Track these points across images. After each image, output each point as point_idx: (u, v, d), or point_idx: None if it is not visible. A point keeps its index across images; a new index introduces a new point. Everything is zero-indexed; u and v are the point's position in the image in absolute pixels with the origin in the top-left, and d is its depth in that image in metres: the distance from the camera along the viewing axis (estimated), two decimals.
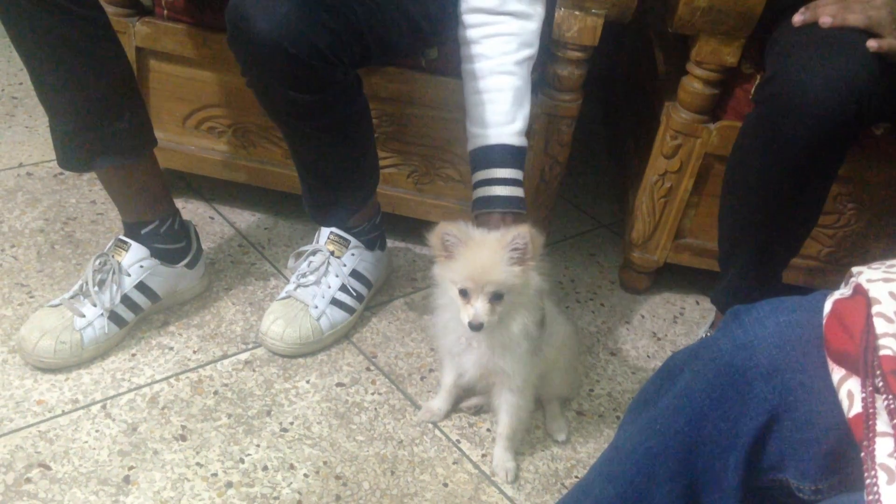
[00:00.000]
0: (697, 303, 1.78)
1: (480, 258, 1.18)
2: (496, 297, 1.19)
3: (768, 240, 1.38)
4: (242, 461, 1.28)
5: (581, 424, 1.45)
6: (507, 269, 1.17)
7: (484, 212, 1.37)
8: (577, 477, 1.35)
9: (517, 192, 1.37)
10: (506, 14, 1.34)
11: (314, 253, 1.54)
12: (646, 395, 0.87)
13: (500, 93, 1.36)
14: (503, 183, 1.36)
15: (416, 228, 1.81)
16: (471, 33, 1.37)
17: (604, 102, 2.20)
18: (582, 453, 1.40)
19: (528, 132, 1.40)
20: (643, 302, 1.77)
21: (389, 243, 1.69)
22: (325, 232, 1.54)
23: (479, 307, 1.18)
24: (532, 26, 1.36)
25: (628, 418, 0.89)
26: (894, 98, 1.24)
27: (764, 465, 0.76)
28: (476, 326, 1.19)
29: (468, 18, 1.37)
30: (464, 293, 1.20)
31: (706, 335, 1.53)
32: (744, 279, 1.43)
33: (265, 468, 1.28)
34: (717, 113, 1.55)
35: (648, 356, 1.62)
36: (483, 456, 1.36)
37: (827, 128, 1.22)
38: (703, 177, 1.59)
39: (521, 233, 1.16)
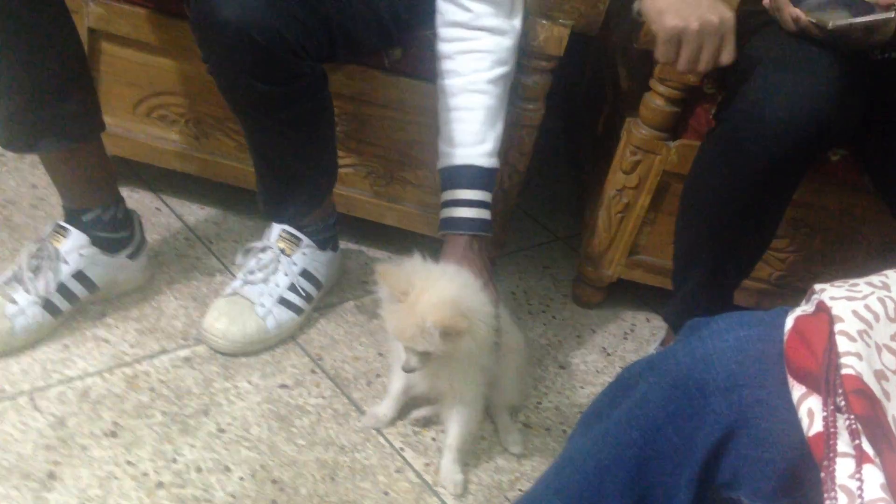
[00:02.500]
0: (648, 320, 1.78)
1: (404, 326, 1.16)
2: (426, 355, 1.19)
3: (722, 259, 1.38)
4: (175, 461, 1.23)
5: (527, 437, 1.43)
6: (427, 341, 1.15)
7: (448, 233, 1.36)
8: (520, 490, 1.33)
9: (483, 214, 1.36)
10: (480, 29, 1.33)
11: (264, 250, 1.50)
12: (598, 407, 0.85)
13: (470, 111, 1.34)
14: (468, 205, 1.35)
15: (370, 231, 1.79)
16: (445, 48, 1.35)
17: (565, 115, 2.20)
18: (527, 466, 1.38)
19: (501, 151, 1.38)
20: (594, 317, 1.76)
21: (343, 245, 1.66)
22: (276, 229, 1.50)
23: (409, 357, 1.19)
24: (507, 43, 1.34)
25: (579, 430, 0.87)
26: (853, 123, 1.25)
27: (717, 483, 0.74)
28: (408, 370, 1.20)
29: (444, 32, 1.35)
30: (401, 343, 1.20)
31: (656, 351, 1.52)
32: (696, 298, 1.43)
33: (199, 469, 1.22)
34: (677, 131, 1.55)
35: (598, 371, 1.61)
36: (427, 465, 1.33)
37: (785, 148, 1.22)
38: (661, 194, 1.59)
39: (432, 327, 1.13)
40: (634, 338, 1.72)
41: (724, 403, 0.72)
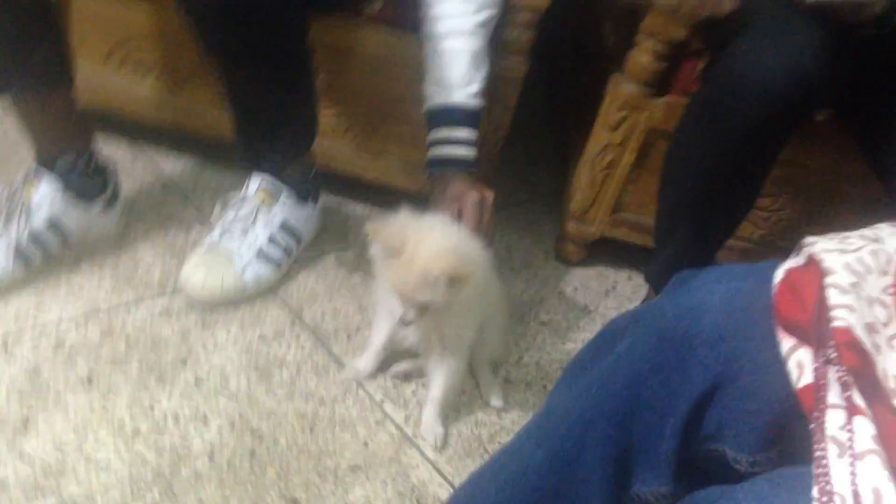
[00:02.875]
0: (630, 278, 1.78)
1: (405, 279, 1.14)
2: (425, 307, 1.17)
3: (706, 219, 1.38)
4: (152, 409, 1.21)
5: (507, 392, 1.43)
6: (428, 292, 1.14)
7: (438, 171, 1.36)
8: (500, 443, 1.33)
9: (470, 152, 1.36)
10: None
11: (242, 201, 1.47)
12: (582, 360, 0.85)
13: (457, 55, 1.33)
14: (456, 143, 1.35)
15: (350, 186, 1.77)
16: None
17: (546, 71, 2.17)
18: (506, 420, 1.38)
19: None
20: (576, 274, 1.75)
21: (323, 200, 1.63)
22: (255, 180, 1.47)
23: (406, 311, 1.17)
24: None
25: (562, 383, 0.86)
26: (840, 85, 1.24)
27: (701, 435, 0.74)
28: (407, 322, 1.19)
29: None
30: (397, 297, 1.18)
31: None
32: (679, 257, 1.42)
33: (176, 418, 1.21)
34: (663, 88, 1.53)
35: (579, 328, 1.61)
36: (406, 418, 1.33)
37: (772, 110, 1.21)
38: (646, 152, 1.57)
39: (439, 277, 1.11)
40: (616, 295, 1.72)
41: (710, 355, 0.72)
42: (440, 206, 1.32)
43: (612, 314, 1.66)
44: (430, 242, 1.14)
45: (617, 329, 0.82)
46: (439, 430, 1.30)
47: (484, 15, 1.33)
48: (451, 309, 1.19)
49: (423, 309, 1.17)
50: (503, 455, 0.89)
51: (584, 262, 1.77)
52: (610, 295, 1.72)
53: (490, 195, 1.34)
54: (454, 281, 1.12)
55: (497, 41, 1.49)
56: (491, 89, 1.39)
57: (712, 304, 0.74)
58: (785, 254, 0.79)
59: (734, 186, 1.32)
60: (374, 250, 1.20)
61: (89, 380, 1.22)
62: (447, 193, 1.33)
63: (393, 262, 1.15)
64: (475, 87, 1.35)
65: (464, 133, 1.35)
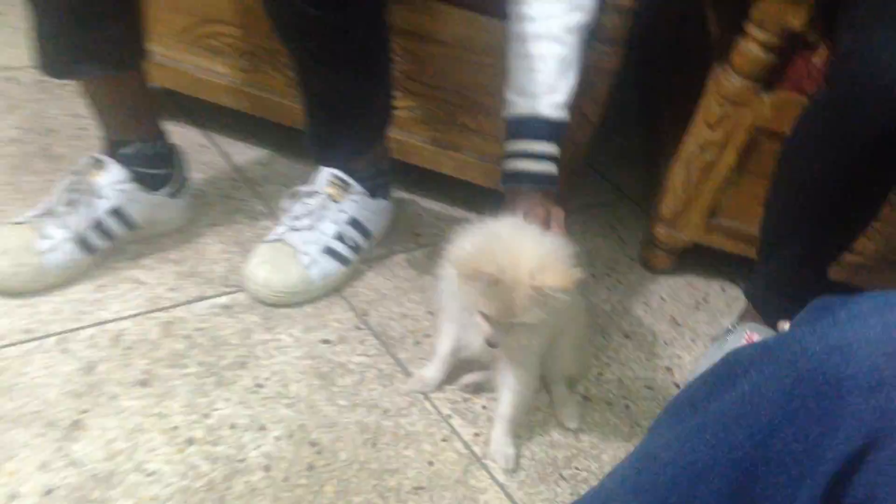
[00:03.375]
0: (723, 290, 1.64)
1: (510, 301, 1.04)
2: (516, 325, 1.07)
3: (821, 232, 1.23)
4: (208, 416, 1.15)
5: (586, 411, 1.32)
6: (534, 310, 1.04)
7: (512, 186, 1.26)
8: (576, 468, 1.22)
9: (549, 168, 1.25)
10: None
11: (311, 195, 1.39)
12: (692, 396, 0.72)
13: (542, 61, 1.22)
14: (534, 157, 1.24)
15: (425, 179, 1.67)
16: None
17: (640, 64, 2.03)
18: (585, 442, 1.27)
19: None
20: (664, 283, 1.62)
21: (395, 194, 1.55)
22: (325, 173, 1.39)
23: (497, 334, 1.08)
24: None
25: (666, 421, 0.74)
26: None
27: (847, 503, 0.61)
28: (493, 345, 1.09)
29: None
30: (483, 316, 1.08)
31: (733, 327, 1.39)
32: (786, 273, 1.29)
33: (233, 426, 1.14)
34: (772, 82, 1.39)
35: (665, 342, 1.48)
36: (476, 435, 1.23)
37: None
38: (749, 153, 1.43)
39: (559, 287, 1.01)
40: (707, 308, 1.59)
41: (865, 405, 0.59)
42: None
43: (704, 329, 1.52)
44: (528, 257, 1.04)
45: (740, 362, 0.69)
46: (510, 451, 1.20)
47: (574, 18, 1.21)
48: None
49: (510, 327, 1.07)
50: (593, 500, 0.78)
51: (672, 271, 1.64)
52: (701, 308, 1.58)
53: (560, 213, 1.23)
54: (563, 293, 1.03)
55: (590, 33, 1.37)
56: (581, 82, 1.28)
57: (869, 341, 0.61)
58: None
59: (856, 198, 1.18)
60: (459, 280, 1.08)
61: (145, 381, 1.16)
62: (515, 209, 1.22)
63: (490, 290, 1.04)
64: (560, 97, 1.23)
65: (543, 147, 1.24)
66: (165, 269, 1.35)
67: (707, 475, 0.65)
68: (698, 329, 1.52)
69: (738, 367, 0.68)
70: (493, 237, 1.08)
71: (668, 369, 1.43)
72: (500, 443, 1.20)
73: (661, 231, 1.56)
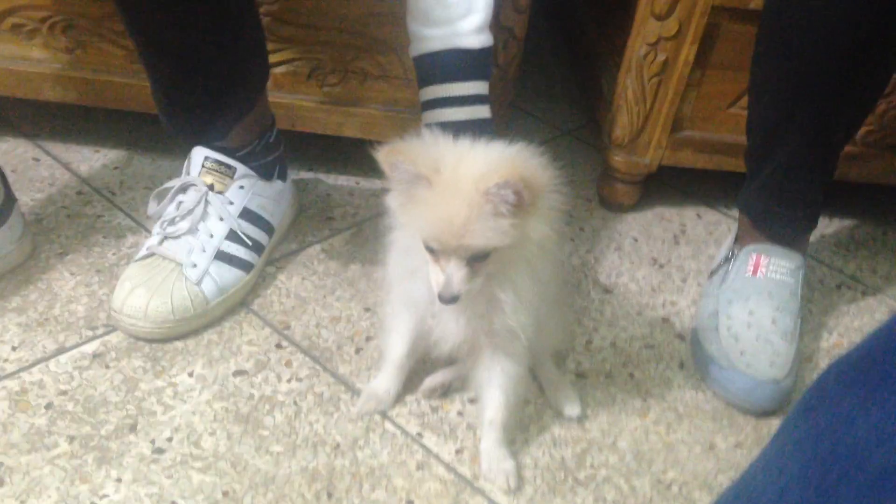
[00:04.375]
0: (699, 216, 1.39)
1: (449, 211, 0.75)
2: (477, 259, 0.77)
3: (825, 116, 1.00)
4: None
5: (585, 391, 1.04)
6: (490, 225, 0.75)
7: None
8: (592, 466, 0.95)
9: (480, 112, 0.98)
10: None
11: (185, 189, 1.07)
12: (877, 361, 0.44)
13: None
14: (459, 103, 0.97)
15: (326, 150, 1.37)
16: None
17: None
18: (594, 431, 0.99)
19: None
20: (632, 222, 1.36)
21: (293, 174, 1.24)
22: (197, 157, 1.07)
23: (450, 273, 0.77)
24: None
25: (839, 392, 0.45)
26: None
27: None
28: (448, 299, 0.78)
29: None
30: (430, 249, 0.78)
31: (732, 254, 1.15)
32: (789, 172, 1.05)
33: None
34: None
35: (654, 290, 1.22)
36: (458, 452, 0.94)
37: None
38: (709, 42, 1.18)
39: (509, 183, 0.72)
40: (688, 240, 1.34)
41: None
42: None
43: (691, 265, 1.28)
44: (477, 157, 0.76)
45: None
46: (508, 464, 0.92)
47: None
48: (516, 267, 0.82)
49: (478, 266, 0.78)
50: None
51: (638, 206, 1.38)
52: (680, 241, 1.33)
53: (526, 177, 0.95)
54: (527, 196, 0.73)
55: None
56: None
57: None
58: None
59: (866, 63, 0.94)
60: (392, 193, 0.80)
61: None
62: None
63: (422, 199, 0.76)
64: (479, 16, 0.96)
65: (468, 87, 0.97)
66: (6, 321, 1.01)
67: None
68: (685, 266, 1.27)
69: None
70: (443, 141, 0.79)
71: (666, 320, 1.17)
72: (494, 457, 0.92)
73: (618, 159, 1.30)
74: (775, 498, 0.45)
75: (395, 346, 0.97)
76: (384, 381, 0.98)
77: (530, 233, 0.77)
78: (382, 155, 0.76)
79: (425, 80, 0.99)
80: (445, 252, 0.77)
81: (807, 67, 0.96)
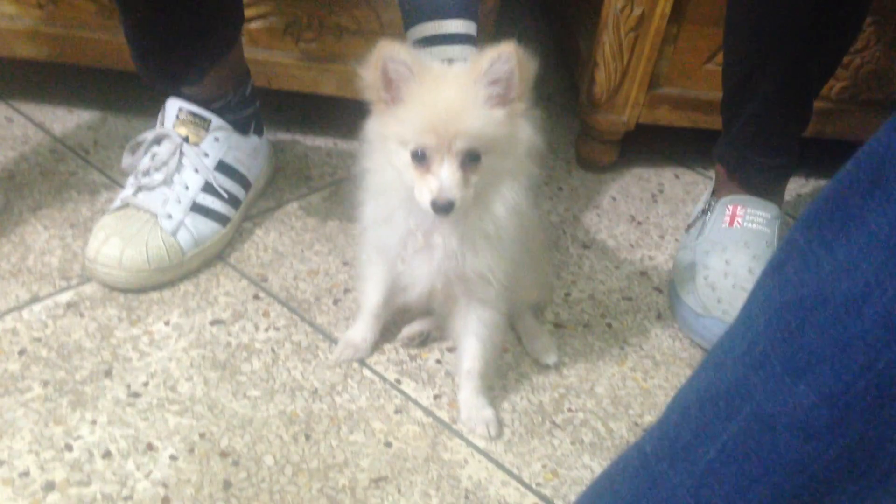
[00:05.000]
0: (677, 176, 1.40)
1: (444, 98, 0.75)
2: (470, 160, 0.77)
3: (797, 63, 1.00)
4: (70, 448, 0.82)
5: (563, 340, 1.05)
6: (485, 112, 0.75)
7: None
8: (570, 410, 0.95)
9: (468, 52, 0.94)
10: None
11: (159, 140, 1.06)
12: (818, 218, 0.44)
13: None
14: (449, 41, 0.93)
15: (304, 109, 1.36)
16: None
17: None
18: (571, 377, 1.00)
19: None
20: (610, 182, 1.37)
21: (269, 135, 1.23)
22: (171, 108, 1.06)
23: (445, 176, 0.76)
24: None
25: (775, 272, 0.46)
26: None
27: None
28: (444, 206, 0.76)
29: None
30: (419, 157, 0.77)
31: (709, 206, 1.15)
32: (764, 121, 1.05)
33: (107, 455, 0.82)
34: None
35: (631, 245, 1.23)
36: (436, 398, 0.94)
37: None
38: None
39: (504, 54, 0.73)
40: (665, 199, 1.34)
41: None
42: None
43: (668, 222, 1.29)
44: (466, 57, 0.82)
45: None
46: (487, 412, 0.91)
47: None
48: (503, 181, 0.82)
49: (468, 169, 0.77)
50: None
51: (616, 166, 1.38)
52: (658, 200, 1.34)
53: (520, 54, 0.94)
54: (523, 70, 0.74)
55: None
56: None
57: None
58: (875, 111, 0.41)
59: (837, 10, 0.95)
60: (375, 89, 0.78)
61: None
62: None
63: (412, 96, 0.76)
64: None
65: (458, 25, 0.94)
66: None
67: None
68: (662, 223, 1.28)
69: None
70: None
71: (643, 273, 1.17)
72: (473, 406, 0.92)
73: (596, 118, 1.30)
74: (743, 352, 0.45)
75: (371, 295, 0.96)
76: (360, 329, 0.98)
77: (518, 132, 0.78)
78: (374, 56, 0.75)
79: (413, 17, 0.95)
80: (439, 152, 0.76)
81: (779, 11, 0.97)
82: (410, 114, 0.76)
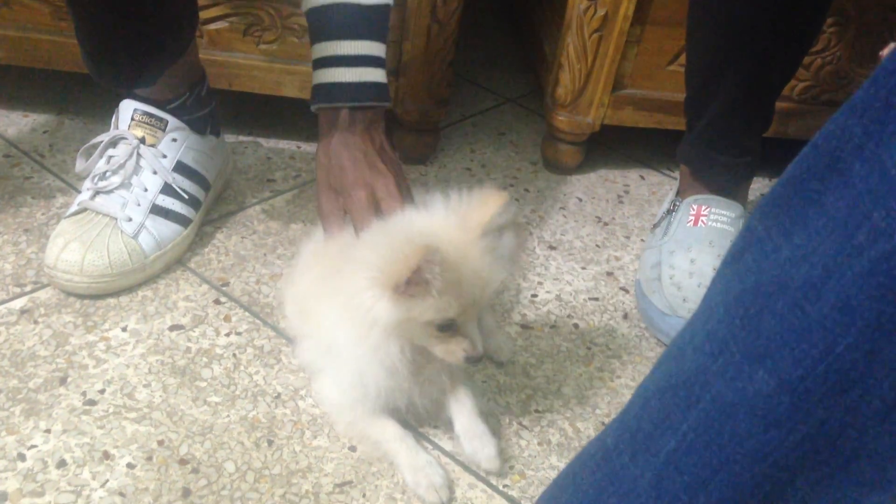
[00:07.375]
0: (642, 178, 1.40)
1: (472, 271, 0.76)
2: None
3: (760, 61, 1.01)
4: (23, 458, 0.79)
5: (529, 341, 1.04)
6: (496, 263, 0.78)
7: (325, 107, 0.92)
8: (537, 411, 0.94)
9: (372, 75, 0.91)
10: None
11: (114, 143, 1.04)
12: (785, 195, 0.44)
13: None
14: (347, 63, 0.90)
15: (265, 112, 1.34)
16: None
17: None
18: (538, 378, 0.99)
19: None
20: (576, 183, 1.37)
21: (231, 138, 1.21)
22: (126, 110, 1.04)
23: (475, 336, 0.78)
24: None
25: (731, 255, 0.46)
26: None
27: None
28: (478, 359, 0.79)
29: None
30: (448, 326, 0.77)
31: (673, 207, 1.15)
32: (729, 116, 1.05)
33: (62, 464, 0.79)
34: None
35: (598, 246, 1.22)
36: None
37: None
38: None
39: (500, 201, 0.78)
40: (631, 200, 1.34)
41: None
42: (321, 186, 0.91)
43: (634, 223, 1.29)
44: (442, 220, 0.80)
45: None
46: (491, 450, 0.86)
47: None
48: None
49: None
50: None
51: (582, 168, 1.38)
52: (624, 201, 1.34)
53: (393, 155, 0.93)
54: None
55: None
56: None
57: None
58: (834, 108, 0.41)
59: (799, 9, 0.95)
60: (401, 287, 0.74)
61: None
62: (330, 139, 0.91)
63: (444, 277, 0.73)
64: None
65: (358, 47, 0.90)
66: None
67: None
68: (628, 224, 1.28)
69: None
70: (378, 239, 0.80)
71: (610, 274, 1.17)
72: (475, 435, 0.86)
73: (561, 119, 1.30)
74: (702, 341, 0.45)
75: (388, 429, 0.87)
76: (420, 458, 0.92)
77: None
78: (416, 252, 0.71)
79: (315, 36, 0.92)
80: (467, 314, 0.77)
81: (741, 9, 0.97)
82: (444, 300, 0.74)
